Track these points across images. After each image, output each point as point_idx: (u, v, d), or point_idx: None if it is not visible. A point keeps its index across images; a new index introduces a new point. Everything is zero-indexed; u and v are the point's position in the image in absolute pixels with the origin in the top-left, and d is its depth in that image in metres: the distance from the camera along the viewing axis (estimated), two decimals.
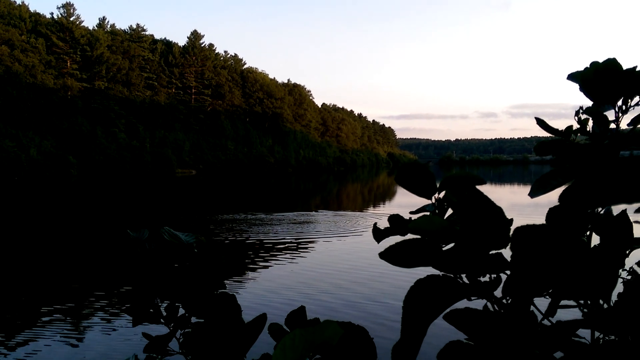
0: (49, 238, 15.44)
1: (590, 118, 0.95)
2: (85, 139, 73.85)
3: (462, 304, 0.79)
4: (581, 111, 0.94)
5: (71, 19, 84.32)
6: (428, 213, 1.21)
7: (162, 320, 1.52)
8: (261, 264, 10.63)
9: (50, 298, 8.14)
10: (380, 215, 20.13)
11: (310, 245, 13.07)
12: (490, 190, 43.02)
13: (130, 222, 19.60)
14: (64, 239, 15.28)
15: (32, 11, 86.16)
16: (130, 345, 5.55)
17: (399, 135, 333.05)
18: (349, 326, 0.79)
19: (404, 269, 0.84)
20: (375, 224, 1.22)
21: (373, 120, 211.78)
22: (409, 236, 0.84)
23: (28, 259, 11.95)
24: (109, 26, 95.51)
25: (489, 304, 0.79)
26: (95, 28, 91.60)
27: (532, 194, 1.01)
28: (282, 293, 7.97)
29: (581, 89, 0.96)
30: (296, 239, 13.91)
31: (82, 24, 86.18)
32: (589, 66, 0.93)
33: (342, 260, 10.92)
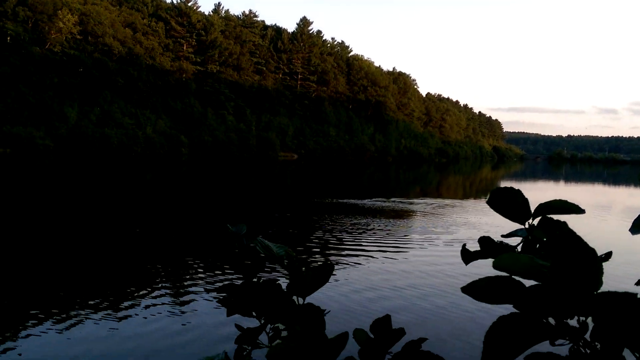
0: (158, 213, 16.48)
1: None
2: (196, 120, 77.74)
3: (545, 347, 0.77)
4: None
5: (189, 4, 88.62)
6: (520, 238, 1.18)
7: (253, 313, 1.60)
8: (354, 257, 10.64)
9: (147, 276, 8.70)
10: (480, 210, 19.25)
11: (406, 241, 12.70)
12: (603, 191, 40.26)
13: (234, 203, 20.44)
14: (171, 216, 16.23)
15: None
16: (220, 337, 5.67)
17: (506, 128, 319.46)
18: (428, 356, 0.80)
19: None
20: (464, 245, 1.21)
21: (479, 112, 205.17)
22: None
23: (138, 230, 12.83)
24: (223, 12, 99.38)
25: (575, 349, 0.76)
26: (211, 13, 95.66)
27: (634, 230, 0.94)
28: (366, 294, 7.80)
29: None
30: (392, 232, 13.76)
31: (198, 9, 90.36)
32: None
33: (441, 263, 10.41)
